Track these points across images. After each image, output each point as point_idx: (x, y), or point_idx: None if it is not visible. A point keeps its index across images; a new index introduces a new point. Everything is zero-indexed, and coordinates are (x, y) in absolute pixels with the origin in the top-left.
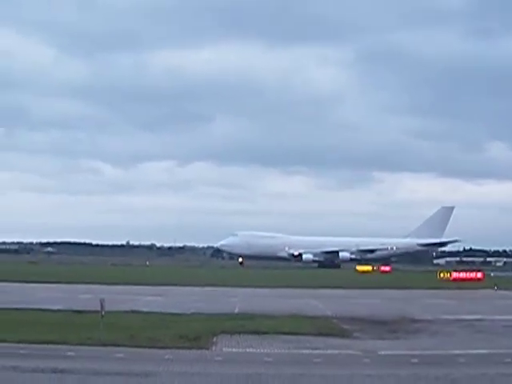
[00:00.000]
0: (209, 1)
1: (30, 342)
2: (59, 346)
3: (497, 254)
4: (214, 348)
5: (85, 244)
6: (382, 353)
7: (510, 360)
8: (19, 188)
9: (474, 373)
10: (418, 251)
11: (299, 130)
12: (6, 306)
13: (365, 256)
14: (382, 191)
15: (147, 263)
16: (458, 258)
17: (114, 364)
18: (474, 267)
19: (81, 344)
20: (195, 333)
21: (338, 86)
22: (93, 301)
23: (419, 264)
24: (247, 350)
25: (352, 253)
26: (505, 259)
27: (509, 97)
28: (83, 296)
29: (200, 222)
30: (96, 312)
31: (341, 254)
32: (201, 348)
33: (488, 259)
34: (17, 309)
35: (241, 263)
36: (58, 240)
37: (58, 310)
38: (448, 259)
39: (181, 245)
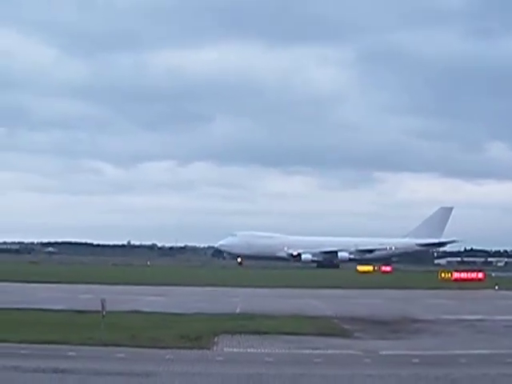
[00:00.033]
0: (209, 1)
1: (31, 342)
2: (60, 346)
3: (498, 254)
4: (215, 348)
5: (86, 244)
6: (383, 353)
7: (511, 360)
8: (20, 188)
9: (475, 373)
10: (416, 251)
11: (299, 129)
12: (7, 306)
13: (363, 256)
14: (382, 191)
15: (148, 263)
16: (459, 258)
17: (115, 364)
18: (475, 267)
19: (82, 344)
20: (196, 333)
21: (338, 86)
22: (94, 301)
23: (420, 264)
24: (248, 350)
25: (351, 253)
26: (506, 259)
27: (509, 97)
28: (84, 296)
29: (201, 222)
30: (97, 312)
31: (340, 254)
32: (202, 348)
33: (489, 259)
34: (18, 309)
35: (240, 263)
36: (59, 240)
37: (59, 310)
38: (449, 259)
39: (182, 245)
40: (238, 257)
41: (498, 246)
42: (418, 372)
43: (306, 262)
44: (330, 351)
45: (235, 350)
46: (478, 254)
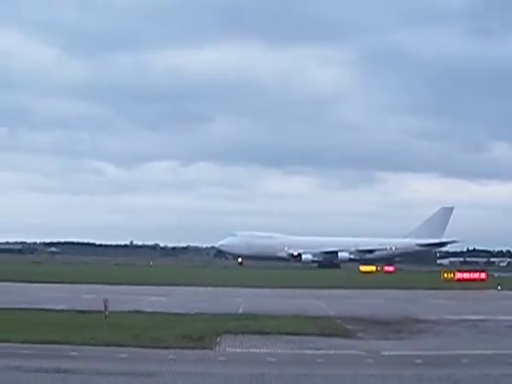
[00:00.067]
0: (209, 1)
1: (33, 342)
2: (63, 346)
3: (500, 254)
4: (217, 348)
5: (88, 244)
6: (386, 353)
7: None
8: (22, 188)
9: (478, 373)
10: (417, 251)
11: (300, 130)
12: (9, 306)
13: (364, 256)
14: (383, 191)
15: (151, 263)
16: (461, 259)
17: (117, 364)
18: (478, 267)
19: (84, 344)
20: (199, 333)
21: (338, 86)
22: (96, 301)
23: (423, 264)
24: (251, 350)
25: (351, 253)
26: (508, 259)
27: (510, 97)
28: (87, 296)
29: (203, 222)
30: (99, 312)
31: (340, 254)
32: (204, 348)
33: (492, 259)
34: (20, 309)
35: (240, 263)
36: (62, 240)
37: (62, 310)
38: (452, 259)
39: (184, 245)
40: (239, 257)
41: (501, 246)
42: (420, 372)
43: (307, 262)
44: (332, 351)
45: (238, 350)
46: (481, 254)
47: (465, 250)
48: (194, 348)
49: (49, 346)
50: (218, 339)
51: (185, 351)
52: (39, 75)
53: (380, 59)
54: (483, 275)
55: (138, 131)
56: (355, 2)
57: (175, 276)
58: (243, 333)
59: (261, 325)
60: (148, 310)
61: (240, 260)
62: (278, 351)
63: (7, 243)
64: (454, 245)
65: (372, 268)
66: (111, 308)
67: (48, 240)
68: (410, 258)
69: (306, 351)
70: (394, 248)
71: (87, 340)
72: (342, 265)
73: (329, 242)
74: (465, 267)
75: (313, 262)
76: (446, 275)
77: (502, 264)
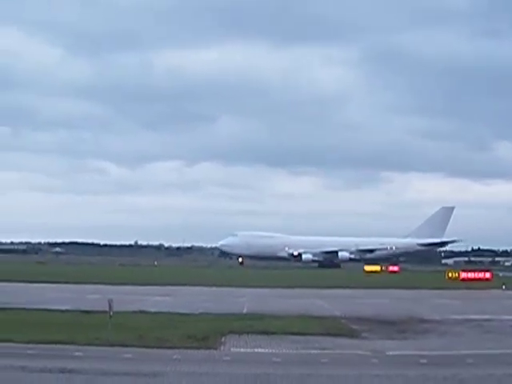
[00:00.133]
0: (209, 1)
1: (37, 342)
2: (67, 346)
3: (505, 253)
4: (222, 348)
5: (93, 244)
6: (391, 353)
7: None
8: (26, 188)
9: (482, 373)
10: (418, 251)
11: (304, 130)
12: (14, 306)
13: (364, 256)
14: (388, 191)
15: (155, 263)
16: (466, 258)
17: (122, 364)
18: (483, 267)
19: (89, 344)
20: (203, 333)
21: (343, 85)
22: (101, 301)
23: (428, 264)
24: (255, 350)
25: (351, 253)
26: None
27: None
28: (91, 296)
29: (208, 222)
30: (104, 312)
31: (340, 253)
32: (209, 348)
33: (496, 259)
34: (25, 309)
35: (241, 263)
36: (66, 240)
37: (66, 311)
38: (456, 259)
39: (189, 245)
40: (240, 257)
41: (506, 245)
42: (425, 372)
43: (307, 261)
44: (337, 351)
45: (242, 350)
46: (486, 253)
47: (469, 249)
48: (198, 348)
49: (53, 346)
50: (223, 339)
51: (189, 351)
52: (43, 75)
53: (384, 59)
54: (488, 275)
55: (141, 131)
56: (359, 2)
57: (180, 276)
58: (248, 333)
59: (265, 325)
60: (152, 310)
61: (240, 260)
62: (282, 351)
63: (12, 243)
64: (459, 244)
65: (377, 268)
66: (116, 308)
67: (52, 240)
68: (411, 258)
69: (310, 351)
70: (394, 248)
71: (92, 340)
72: (342, 264)
73: (329, 242)
74: (469, 267)
75: (313, 261)
76: (450, 275)
77: (506, 263)
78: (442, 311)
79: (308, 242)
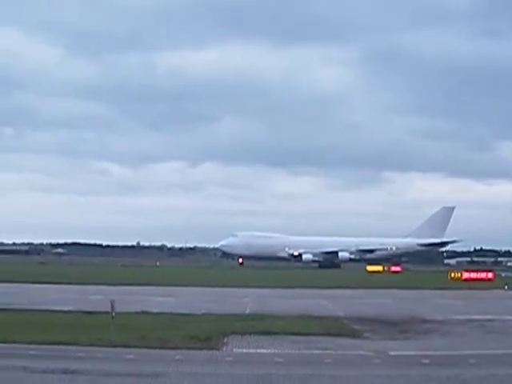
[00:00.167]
0: (209, 1)
1: (40, 343)
2: (69, 347)
3: (508, 254)
4: (224, 348)
5: (95, 245)
6: (393, 353)
7: None
8: (27, 188)
9: (485, 373)
10: (418, 251)
11: (305, 129)
12: (16, 307)
13: (364, 256)
14: (389, 191)
15: (158, 264)
16: (468, 258)
17: (124, 365)
18: (485, 267)
19: (91, 345)
20: (206, 333)
21: (343, 85)
22: (103, 302)
23: (430, 264)
24: (258, 350)
25: (351, 253)
26: None
27: None
28: (94, 297)
29: (210, 222)
30: (106, 313)
31: (340, 254)
32: (211, 349)
33: (499, 259)
34: (27, 310)
35: (240, 263)
36: (69, 241)
37: (69, 311)
38: (459, 259)
39: (191, 245)
40: (240, 257)
41: (508, 245)
42: (427, 372)
43: (307, 262)
44: (339, 351)
45: (245, 350)
46: (488, 253)
47: (472, 249)
48: (200, 348)
49: (56, 346)
50: (225, 340)
51: (192, 352)
52: (43, 75)
53: (384, 59)
54: (490, 275)
55: (143, 131)
56: (360, 1)
57: (182, 277)
58: (250, 333)
59: (268, 325)
60: (155, 310)
61: (240, 260)
62: (285, 351)
63: (14, 244)
64: (461, 244)
65: (379, 268)
66: (118, 309)
67: (54, 241)
68: (413, 258)
69: (313, 351)
70: (394, 248)
71: (94, 341)
72: (342, 265)
73: (329, 242)
74: (472, 267)
75: (313, 262)
76: (453, 275)
77: (509, 264)
78: (444, 311)
79: (308, 242)
